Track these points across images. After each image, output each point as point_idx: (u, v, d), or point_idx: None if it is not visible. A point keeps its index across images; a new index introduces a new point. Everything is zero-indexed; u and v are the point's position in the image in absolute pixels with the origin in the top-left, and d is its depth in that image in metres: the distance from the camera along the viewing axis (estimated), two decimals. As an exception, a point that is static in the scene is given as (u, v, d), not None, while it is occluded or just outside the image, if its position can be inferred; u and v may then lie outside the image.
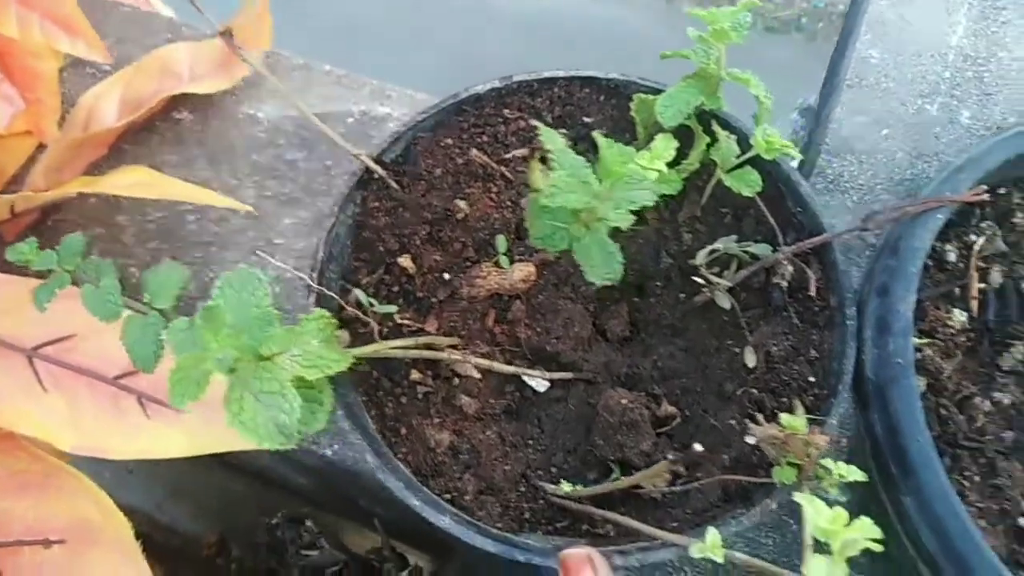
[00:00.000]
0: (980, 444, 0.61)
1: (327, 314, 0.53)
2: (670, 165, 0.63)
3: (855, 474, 0.54)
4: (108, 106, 0.98)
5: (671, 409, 0.66)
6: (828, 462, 0.54)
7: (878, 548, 0.45)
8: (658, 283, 0.70)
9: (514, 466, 0.65)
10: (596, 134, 0.52)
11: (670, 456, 0.59)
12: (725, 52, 0.63)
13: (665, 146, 0.61)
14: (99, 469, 0.75)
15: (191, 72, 1.01)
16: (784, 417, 0.54)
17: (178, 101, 1.02)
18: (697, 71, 0.65)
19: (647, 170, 0.60)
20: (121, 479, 1.33)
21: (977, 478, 0.60)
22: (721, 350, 0.67)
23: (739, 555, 0.52)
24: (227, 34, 0.62)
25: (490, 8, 1.93)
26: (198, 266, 0.93)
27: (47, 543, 0.71)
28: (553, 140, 0.52)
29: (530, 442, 0.67)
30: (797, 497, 0.48)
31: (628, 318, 0.70)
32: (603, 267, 0.52)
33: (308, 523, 0.95)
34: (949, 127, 0.96)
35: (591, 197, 0.50)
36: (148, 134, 1.01)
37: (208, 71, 1.02)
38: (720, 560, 0.51)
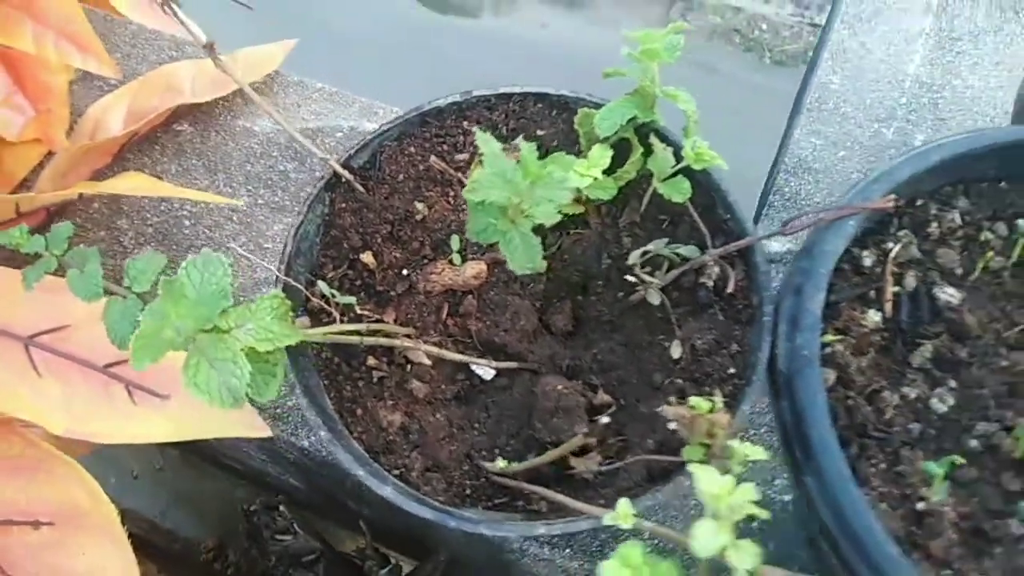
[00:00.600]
0: (888, 434, 0.65)
1: (282, 294, 0.59)
2: (607, 173, 0.69)
3: (757, 453, 0.58)
4: (114, 117, 1.04)
5: (606, 398, 0.71)
6: (733, 442, 0.59)
7: (764, 514, 0.50)
8: (599, 282, 0.76)
9: (459, 447, 0.71)
10: (520, 140, 0.58)
11: (584, 430, 0.64)
12: (658, 70, 0.69)
13: (600, 155, 0.67)
14: (105, 474, 0.79)
15: (193, 88, 1.08)
16: (692, 399, 0.59)
17: (179, 114, 1.09)
18: (636, 88, 0.71)
19: (583, 176, 0.66)
20: (126, 484, 1.38)
21: (883, 465, 0.65)
22: (653, 344, 0.72)
23: (647, 523, 0.57)
24: (210, 47, 0.69)
25: (489, 35, 2.02)
26: (191, 266, 0.99)
27: (36, 524, 0.75)
28: (485, 142, 0.58)
29: (476, 425, 0.72)
30: (691, 467, 0.53)
31: (572, 314, 0.76)
32: (525, 258, 0.58)
33: (281, 508, 1.00)
34: (904, 150, 1.01)
35: (514, 193, 0.56)
36: (150, 145, 1.08)
37: (209, 88, 1.09)
38: (628, 526, 0.56)
